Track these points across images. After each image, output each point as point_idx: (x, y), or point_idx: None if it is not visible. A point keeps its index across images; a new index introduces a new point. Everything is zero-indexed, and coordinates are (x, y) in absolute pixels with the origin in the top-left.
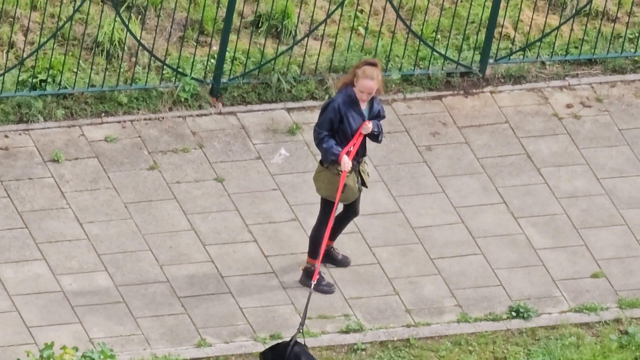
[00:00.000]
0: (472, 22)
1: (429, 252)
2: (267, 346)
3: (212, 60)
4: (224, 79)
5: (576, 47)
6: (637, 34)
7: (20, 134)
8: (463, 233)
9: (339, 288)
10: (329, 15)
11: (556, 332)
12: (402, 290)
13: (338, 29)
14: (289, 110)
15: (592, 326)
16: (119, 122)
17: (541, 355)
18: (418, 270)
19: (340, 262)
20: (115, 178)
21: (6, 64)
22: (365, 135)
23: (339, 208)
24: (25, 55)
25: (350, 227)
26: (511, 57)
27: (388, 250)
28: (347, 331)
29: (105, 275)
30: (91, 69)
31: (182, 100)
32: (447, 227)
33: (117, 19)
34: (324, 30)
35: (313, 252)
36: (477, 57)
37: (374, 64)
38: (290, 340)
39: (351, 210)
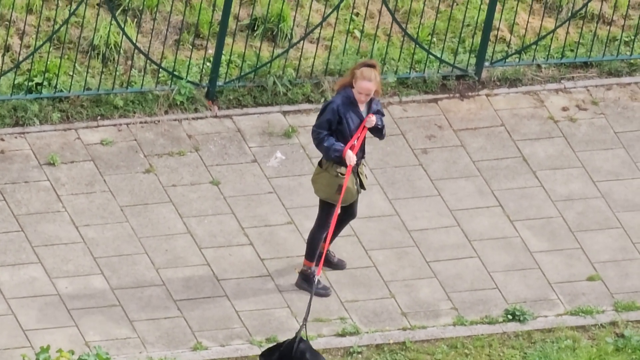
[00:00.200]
0: (468, 25)
1: (424, 255)
2: (264, 348)
3: (208, 64)
4: (220, 82)
5: (572, 50)
6: (632, 37)
7: (16, 137)
8: (459, 236)
9: (334, 291)
10: (324, 19)
11: (552, 335)
12: (398, 293)
13: (334, 32)
14: (284, 113)
15: (588, 329)
16: (114, 125)
17: (537, 358)
18: (414, 273)
19: (336, 265)
20: (111, 181)
21: (2, 67)
22: (364, 137)
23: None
24: (21, 59)
25: (346, 230)
26: (507, 60)
27: (384, 253)
28: (343, 334)
29: (101, 278)
30: (87, 72)
31: (178, 103)
32: (443, 230)
33: (113, 22)
34: (320, 33)
35: (310, 255)
36: (473, 60)
37: (372, 65)
38: (295, 337)
39: (348, 213)
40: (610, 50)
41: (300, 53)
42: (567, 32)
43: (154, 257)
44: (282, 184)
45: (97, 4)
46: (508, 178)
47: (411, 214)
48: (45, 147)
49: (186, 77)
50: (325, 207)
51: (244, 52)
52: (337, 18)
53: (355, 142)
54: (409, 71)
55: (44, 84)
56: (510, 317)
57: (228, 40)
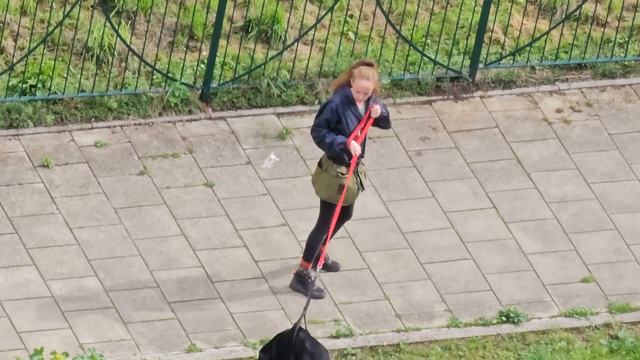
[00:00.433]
0: (462, 27)
1: (419, 257)
2: (263, 345)
3: (202, 66)
4: (214, 84)
5: (566, 52)
6: (626, 39)
7: (10, 139)
8: (453, 238)
9: (328, 293)
10: (318, 20)
11: (546, 337)
12: (392, 295)
13: (328, 34)
14: (278, 115)
15: (583, 331)
16: (108, 127)
17: None
18: (408, 275)
19: (330, 267)
20: (105, 183)
21: None
22: (367, 131)
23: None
24: (15, 61)
25: (340, 232)
26: (501, 62)
27: (378, 255)
28: (337, 336)
29: (95, 280)
30: (81, 74)
31: (172, 105)
32: (437, 232)
33: (107, 24)
34: (314, 35)
35: (308, 256)
36: (467, 62)
37: (370, 64)
38: (294, 326)
39: (345, 213)
40: (605, 51)
41: (294, 55)
42: (561, 34)
43: (148, 259)
44: (276, 186)
45: (91, 6)
46: (502, 180)
47: (405, 215)
48: (39, 149)
49: (180, 79)
50: (327, 208)
51: (238, 54)
52: (331, 20)
53: (359, 133)
54: (403, 73)
55: (38, 86)
56: (504, 318)
57: (222, 42)
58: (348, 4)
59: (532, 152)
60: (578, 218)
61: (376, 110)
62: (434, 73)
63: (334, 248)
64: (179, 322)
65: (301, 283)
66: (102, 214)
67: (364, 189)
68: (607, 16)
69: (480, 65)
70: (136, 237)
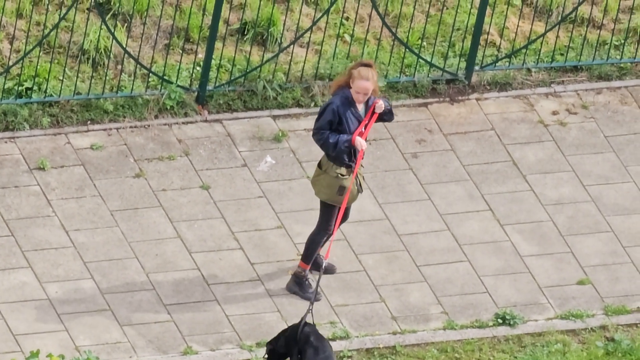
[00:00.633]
0: (458, 29)
1: (415, 259)
2: (272, 338)
3: (198, 68)
4: (210, 87)
5: (562, 54)
6: (622, 41)
7: (6, 142)
8: (449, 240)
9: (325, 295)
10: (314, 23)
11: (542, 339)
12: (388, 297)
13: (324, 37)
14: (274, 117)
15: (578, 333)
16: (104, 129)
17: None
18: (404, 277)
19: (326, 270)
20: (101, 186)
21: None
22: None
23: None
24: (10, 63)
25: (336, 234)
26: (497, 64)
27: (374, 258)
28: (333, 338)
29: (91, 282)
30: (77, 76)
31: (168, 107)
32: (433, 234)
33: (103, 26)
34: (310, 37)
35: (307, 257)
36: (463, 64)
37: (368, 65)
38: (300, 321)
39: (343, 215)
40: (600, 54)
41: (290, 57)
42: (557, 36)
43: (144, 262)
44: (272, 188)
45: (87, 9)
46: (498, 182)
47: (401, 218)
48: (35, 152)
49: (176, 81)
50: (326, 210)
51: (234, 57)
52: (327, 22)
53: (364, 129)
54: (399, 75)
55: (33, 88)
56: (500, 321)
57: (218, 44)
58: (344, 7)
59: (528, 154)
60: (574, 220)
61: (380, 106)
62: (429, 75)
63: (330, 250)
64: (175, 324)
65: (298, 285)
66: (98, 217)
67: (362, 191)
68: (603, 18)
69: (476, 68)
70: (132, 239)
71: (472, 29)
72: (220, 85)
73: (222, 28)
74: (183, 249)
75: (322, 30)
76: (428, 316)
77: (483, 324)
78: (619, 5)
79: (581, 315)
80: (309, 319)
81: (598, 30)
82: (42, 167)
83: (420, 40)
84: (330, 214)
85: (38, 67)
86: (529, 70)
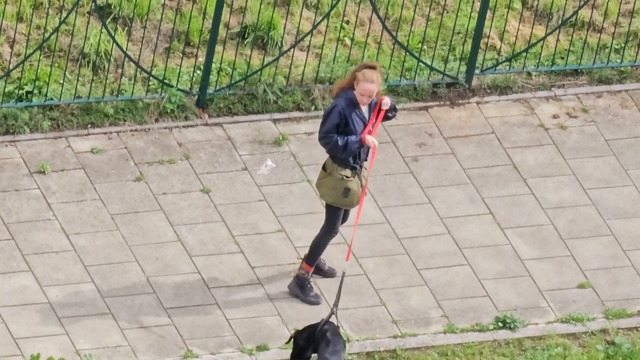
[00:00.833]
0: (458, 33)
1: (415, 262)
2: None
3: (198, 72)
4: (210, 90)
5: (562, 58)
6: (623, 45)
7: (6, 146)
8: (449, 244)
9: (325, 299)
10: (314, 26)
11: (543, 343)
12: (389, 301)
13: (324, 40)
14: (275, 121)
15: (579, 336)
16: (105, 133)
17: None
18: (404, 281)
19: (327, 273)
20: (101, 189)
21: None
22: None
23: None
24: (11, 67)
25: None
26: (497, 68)
27: (374, 261)
28: None
29: (92, 286)
30: (77, 80)
31: (168, 111)
32: (433, 238)
33: (103, 30)
34: (310, 41)
35: (311, 260)
36: (463, 68)
37: (373, 67)
38: (321, 320)
39: (342, 216)
40: (601, 57)
41: (290, 61)
42: (558, 40)
43: (144, 265)
44: (273, 192)
45: (88, 12)
46: (499, 186)
47: (402, 221)
48: (35, 155)
49: (176, 85)
50: (332, 212)
51: (235, 60)
52: (327, 26)
53: (371, 128)
54: (399, 79)
55: (34, 92)
56: (500, 324)
57: (218, 48)
58: (344, 10)
59: (529, 157)
60: (574, 224)
61: (386, 103)
62: (430, 79)
63: (331, 254)
64: (175, 328)
65: (300, 287)
66: (99, 220)
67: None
68: (603, 22)
69: (477, 71)
70: (132, 243)
71: (473, 32)
72: (221, 88)
73: (222, 32)
74: (183, 253)
75: (322, 33)
76: (428, 320)
77: (483, 327)
78: (619, 9)
79: (582, 319)
80: (331, 320)
81: (598, 34)
82: (42, 170)
83: (420, 44)
84: (335, 216)
85: (38, 70)
86: (529, 73)
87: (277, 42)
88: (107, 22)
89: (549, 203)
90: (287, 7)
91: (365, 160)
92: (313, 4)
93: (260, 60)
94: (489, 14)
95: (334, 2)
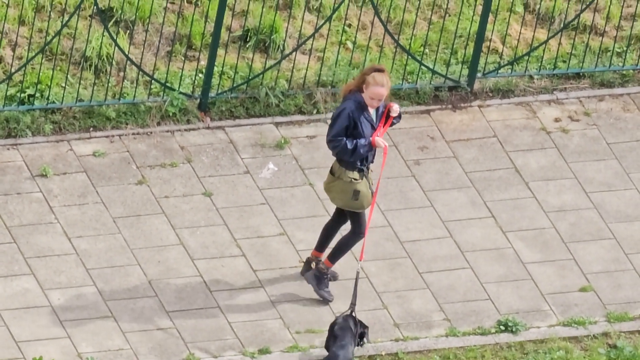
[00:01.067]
0: (460, 36)
1: (417, 266)
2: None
3: (200, 75)
4: (212, 94)
5: (564, 61)
6: (625, 48)
7: (8, 149)
8: (451, 247)
9: (327, 302)
10: (316, 30)
11: (545, 346)
12: (391, 304)
13: (326, 44)
14: (277, 124)
15: (581, 340)
16: (107, 136)
17: None
18: (406, 284)
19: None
20: (103, 193)
21: None
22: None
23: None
24: (13, 70)
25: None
26: (499, 71)
27: (376, 265)
28: None
29: (94, 289)
30: (79, 83)
31: (170, 114)
32: (435, 241)
33: (105, 33)
34: (312, 44)
35: (334, 257)
36: (465, 71)
37: (382, 70)
38: (343, 313)
39: (343, 218)
40: (603, 61)
41: (292, 64)
42: (560, 43)
43: (146, 269)
44: (275, 195)
45: (89, 16)
46: (500, 189)
47: (404, 225)
48: (37, 159)
49: (178, 88)
50: (355, 215)
51: (237, 64)
52: (329, 29)
53: (379, 134)
54: (401, 82)
55: (36, 95)
56: (502, 328)
57: (220, 51)
58: (346, 14)
59: (531, 161)
60: (576, 227)
61: (395, 110)
62: (432, 82)
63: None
64: (177, 331)
65: (317, 279)
66: (101, 224)
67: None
68: (605, 25)
69: (479, 75)
70: (134, 246)
71: (475, 36)
72: (223, 92)
73: (224, 35)
74: (185, 256)
75: (324, 37)
76: (430, 323)
77: (485, 331)
78: (621, 12)
79: (583, 322)
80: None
81: (600, 38)
82: (44, 174)
83: (422, 48)
84: (360, 219)
85: (40, 74)
86: (531, 77)
87: (279, 46)
88: (109, 26)
89: (551, 206)
90: (289, 11)
91: (372, 162)
92: (315, 7)
93: (262, 64)
94: (491, 17)
95: (336, 5)
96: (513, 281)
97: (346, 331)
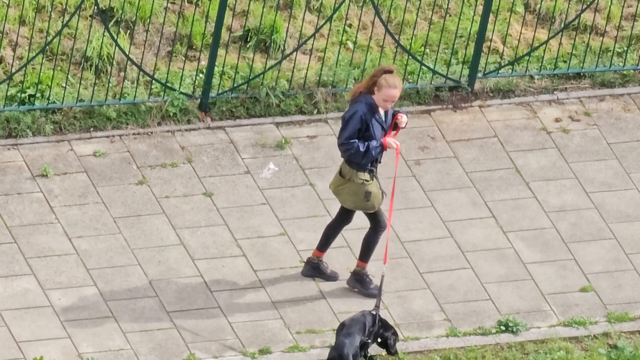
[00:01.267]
0: (461, 37)
1: (418, 266)
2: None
3: (201, 75)
4: (213, 94)
5: (565, 61)
6: (625, 48)
7: (9, 149)
8: (452, 247)
9: (327, 302)
10: (317, 30)
11: (545, 346)
12: (391, 304)
13: (327, 44)
14: (277, 124)
15: (581, 340)
16: (107, 136)
17: None
18: (407, 284)
19: (329, 277)
20: (104, 193)
21: None
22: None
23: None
24: (13, 70)
25: (338, 241)
26: (500, 71)
27: (377, 265)
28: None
29: (94, 289)
30: (80, 83)
31: (171, 114)
32: (436, 242)
33: (106, 33)
34: (313, 44)
35: (364, 256)
36: (466, 72)
37: (392, 71)
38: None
39: (346, 218)
40: (603, 61)
41: (293, 64)
42: (560, 43)
43: (147, 269)
44: (275, 195)
45: (90, 16)
46: (501, 189)
47: (404, 225)
48: (38, 159)
49: (179, 88)
50: (372, 215)
51: (237, 64)
52: (330, 29)
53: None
54: (402, 82)
55: (36, 95)
56: (503, 328)
57: (221, 51)
58: (347, 14)
59: (531, 161)
60: (577, 227)
61: (403, 120)
62: (432, 82)
63: (333, 257)
64: (177, 331)
65: (360, 282)
66: (101, 224)
67: (386, 194)
68: (605, 25)
69: (479, 75)
70: (135, 246)
71: (475, 36)
72: (223, 92)
73: (225, 35)
74: (186, 256)
75: (325, 37)
76: (431, 323)
77: (486, 331)
78: (622, 12)
79: (584, 323)
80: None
81: (601, 38)
82: (45, 174)
83: (423, 48)
84: (377, 216)
85: (41, 74)
86: (531, 77)
87: (279, 46)
88: (109, 26)
89: (552, 206)
90: (290, 11)
91: (380, 162)
92: (316, 7)
93: (263, 64)
94: (491, 17)
95: (337, 5)
96: (513, 281)
97: (357, 323)
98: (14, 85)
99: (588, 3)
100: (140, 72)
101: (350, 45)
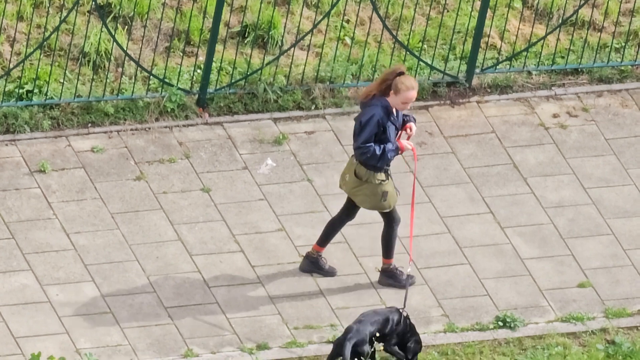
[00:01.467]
0: (459, 32)
1: (415, 262)
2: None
3: (199, 71)
4: (211, 89)
5: (562, 57)
6: (623, 44)
7: (6, 145)
8: (450, 243)
9: (325, 298)
10: (315, 25)
11: (543, 342)
12: (389, 300)
13: (324, 39)
14: (275, 120)
15: (579, 336)
16: (105, 132)
17: None
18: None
19: (327, 272)
20: (101, 188)
21: None
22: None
23: (335, 210)
24: (11, 66)
25: (337, 237)
26: (497, 67)
27: (375, 261)
28: (333, 341)
29: (92, 285)
30: (77, 79)
31: (169, 110)
32: (433, 237)
33: (104, 29)
34: (311, 40)
35: (387, 253)
36: (464, 67)
37: (404, 72)
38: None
39: (348, 215)
40: (601, 57)
41: (290, 60)
42: (558, 39)
43: (144, 264)
44: (273, 191)
45: (88, 11)
46: (499, 185)
47: (402, 220)
48: (35, 155)
49: (177, 84)
50: (386, 214)
51: (235, 59)
52: (327, 25)
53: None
54: None
55: (34, 91)
56: (501, 323)
57: (219, 47)
58: (345, 9)
59: (529, 157)
60: (574, 223)
61: (414, 129)
62: (430, 78)
63: (331, 253)
64: (175, 327)
65: (391, 277)
66: (99, 219)
67: (399, 192)
68: (603, 21)
69: (477, 70)
70: (133, 242)
71: (473, 31)
72: (221, 88)
73: (222, 31)
74: (184, 252)
75: (322, 33)
76: (429, 319)
77: (484, 326)
78: (620, 8)
79: (582, 318)
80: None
81: (599, 33)
82: (42, 169)
83: (421, 43)
84: (391, 213)
85: (39, 69)
86: (529, 73)
87: (277, 41)
88: (107, 21)
89: (549, 202)
90: (288, 6)
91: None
92: (313, 3)
93: (261, 60)
94: (489, 13)
95: (334, 1)
96: (511, 277)
97: (378, 315)
98: (11, 80)
99: None
100: (138, 68)
101: (348, 40)
